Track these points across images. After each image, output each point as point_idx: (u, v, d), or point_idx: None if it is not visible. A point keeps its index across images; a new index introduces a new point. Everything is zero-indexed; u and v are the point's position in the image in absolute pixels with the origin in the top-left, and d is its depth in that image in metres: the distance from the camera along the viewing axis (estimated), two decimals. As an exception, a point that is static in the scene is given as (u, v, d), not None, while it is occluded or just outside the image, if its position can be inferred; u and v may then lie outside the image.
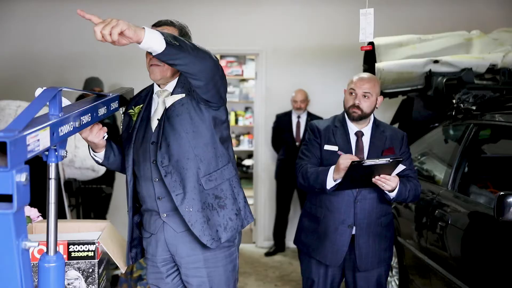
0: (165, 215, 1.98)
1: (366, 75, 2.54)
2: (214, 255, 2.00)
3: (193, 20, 5.70)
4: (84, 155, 3.75)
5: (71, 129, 1.46)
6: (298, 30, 5.41)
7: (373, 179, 2.30)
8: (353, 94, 2.47)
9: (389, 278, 3.49)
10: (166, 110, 1.96)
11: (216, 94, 1.92)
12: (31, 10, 5.34)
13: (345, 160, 2.27)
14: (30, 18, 5.34)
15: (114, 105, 1.92)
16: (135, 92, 2.22)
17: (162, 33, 1.63)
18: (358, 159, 2.28)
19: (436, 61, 3.61)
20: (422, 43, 3.84)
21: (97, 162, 2.12)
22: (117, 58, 5.38)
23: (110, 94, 1.91)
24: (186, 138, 1.93)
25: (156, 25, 2.02)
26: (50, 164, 1.39)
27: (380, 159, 2.24)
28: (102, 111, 1.75)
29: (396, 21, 5.11)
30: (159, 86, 2.04)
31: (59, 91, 1.43)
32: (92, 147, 2.04)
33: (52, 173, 1.39)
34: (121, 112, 2.11)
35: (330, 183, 2.35)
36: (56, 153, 1.40)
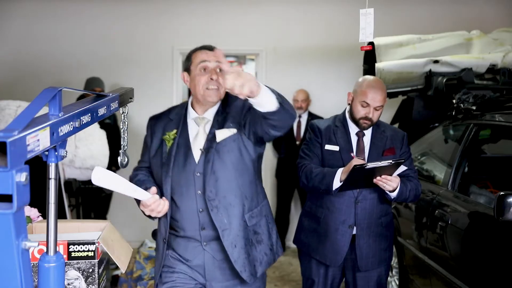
0: (205, 243, 1.98)
1: (376, 83, 2.44)
2: None
3: (193, 20, 5.72)
4: (84, 155, 3.75)
5: (71, 129, 1.46)
6: (298, 30, 5.41)
7: (375, 180, 2.30)
8: (366, 107, 2.41)
9: (389, 278, 3.49)
10: (216, 144, 1.94)
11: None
12: (31, 11, 5.34)
13: (357, 164, 2.25)
14: (30, 18, 5.34)
15: (114, 105, 1.91)
16: (135, 92, 2.21)
17: (273, 91, 1.66)
18: (361, 163, 2.28)
19: (436, 61, 3.61)
20: (422, 43, 3.84)
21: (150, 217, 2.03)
22: (117, 58, 5.39)
23: (110, 94, 1.91)
24: (235, 175, 1.94)
25: (208, 48, 2.02)
26: (50, 164, 1.39)
27: (382, 162, 2.23)
28: (102, 111, 1.75)
29: (396, 21, 5.11)
30: (193, 108, 2.03)
31: (59, 91, 1.42)
32: None
33: (52, 173, 1.39)
34: (121, 112, 2.11)
35: (336, 185, 2.34)
36: (56, 153, 1.39)
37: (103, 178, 1.70)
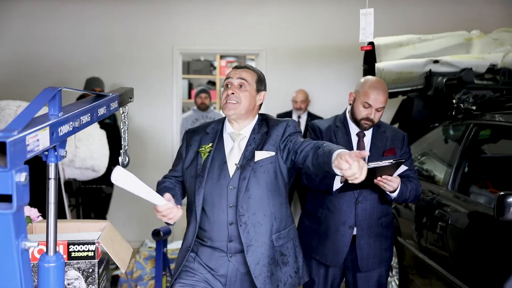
0: (231, 255, 2.02)
1: (378, 84, 2.43)
2: None
3: (193, 20, 5.71)
4: (84, 155, 3.74)
5: (71, 129, 1.46)
6: (298, 30, 5.41)
7: (375, 180, 2.30)
8: (368, 108, 2.41)
9: (389, 278, 3.49)
10: (254, 163, 2.00)
11: None
12: (32, 11, 5.34)
13: None
14: (30, 18, 5.34)
15: (114, 105, 1.91)
16: (136, 91, 2.21)
17: None
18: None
19: (436, 61, 3.61)
20: (422, 43, 3.84)
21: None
22: (117, 58, 5.39)
23: (110, 94, 1.91)
24: (268, 195, 2.00)
25: (237, 67, 2.12)
26: (50, 164, 1.39)
27: (383, 161, 2.23)
28: (101, 111, 1.75)
29: (396, 21, 5.12)
30: (229, 123, 2.09)
31: (58, 91, 1.42)
32: None
33: (52, 173, 1.39)
34: (121, 112, 2.11)
35: (336, 185, 2.35)
36: (56, 153, 1.39)
37: (122, 178, 1.74)
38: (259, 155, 2.01)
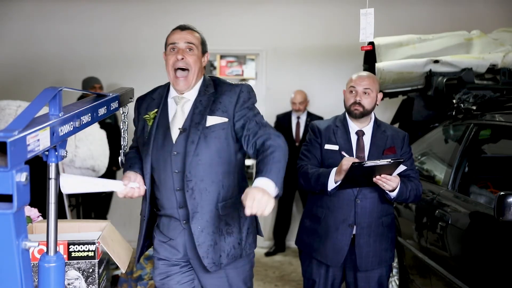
0: (184, 222, 2.00)
1: (364, 72, 2.54)
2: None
3: (194, 20, 5.67)
4: (84, 155, 3.74)
5: (71, 129, 1.46)
6: (298, 30, 5.41)
7: (374, 179, 2.30)
8: (353, 92, 2.48)
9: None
10: (205, 128, 1.95)
11: None
12: (32, 11, 5.35)
13: (348, 162, 2.26)
14: (30, 18, 5.34)
15: (114, 105, 1.92)
16: (136, 92, 2.21)
17: (276, 184, 1.71)
18: (360, 161, 2.27)
19: (436, 61, 3.60)
20: (422, 43, 3.84)
21: None
22: (117, 58, 5.38)
23: (110, 94, 1.91)
24: (218, 162, 1.95)
25: (181, 28, 2.03)
26: (50, 164, 1.39)
27: (381, 160, 2.24)
28: (102, 111, 1.75)
29: (396, 21, 5.11)
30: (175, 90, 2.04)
31: (59, 91, 1.43)
32: None
33: (52, 173, 1.39)
34: (121, 112, 2.11)
35: (331, 185, 2.35)
36: (56, 153, 1.40)
37: (71, 184, 1.67)
38: (211, 120, 1.96)
